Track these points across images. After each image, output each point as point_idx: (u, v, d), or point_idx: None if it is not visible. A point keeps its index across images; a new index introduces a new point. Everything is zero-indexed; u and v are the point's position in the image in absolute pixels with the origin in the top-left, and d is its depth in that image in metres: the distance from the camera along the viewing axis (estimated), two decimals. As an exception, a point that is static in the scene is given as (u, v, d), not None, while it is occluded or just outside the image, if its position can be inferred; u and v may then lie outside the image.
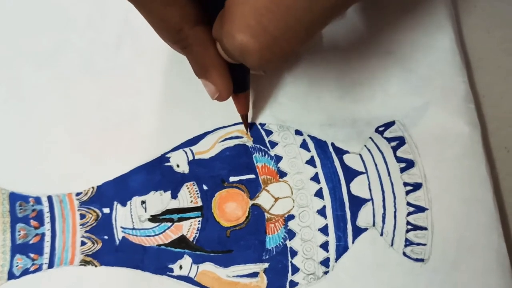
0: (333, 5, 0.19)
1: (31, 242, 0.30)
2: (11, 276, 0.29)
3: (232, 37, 0.20)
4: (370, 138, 0.30)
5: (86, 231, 0.30)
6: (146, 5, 0.22)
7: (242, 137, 0.31)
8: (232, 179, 0.30)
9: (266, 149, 0.30)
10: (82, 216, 0.30)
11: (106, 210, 0.30)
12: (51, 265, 0.29)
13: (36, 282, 0.29)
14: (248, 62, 0.21)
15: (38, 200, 0.30)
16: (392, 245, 0.28)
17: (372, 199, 0.29)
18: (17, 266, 0.29)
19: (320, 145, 0.30)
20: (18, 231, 0.30)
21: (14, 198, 0.30)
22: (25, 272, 0.29)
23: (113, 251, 0.29)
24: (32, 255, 0.30)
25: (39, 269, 0.29)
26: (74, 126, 0.32)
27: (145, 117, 0.32)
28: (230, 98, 0.29)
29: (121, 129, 0.31)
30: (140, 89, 0.32)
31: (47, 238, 0.30)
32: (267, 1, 0.19)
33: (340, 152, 0.30)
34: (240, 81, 0.27)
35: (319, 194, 0.29)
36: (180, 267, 0.29)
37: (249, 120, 0.31)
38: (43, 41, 0.33)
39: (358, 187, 0.29)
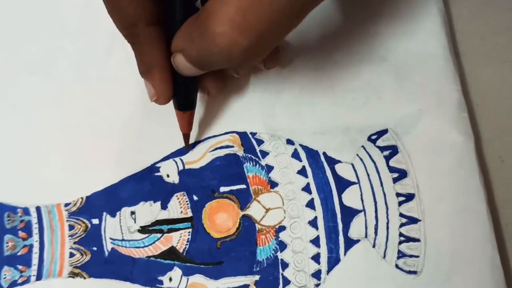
0: None
1: (19, 253, 0.29)
2: (-2, 288, 0.29)
3: (221, 36, 0.20)
4: (363, 146, 0.30)
5: (74, 243, 0.29)
6: None
7: (233, 146, 0.30)
8: (222, 189, 0.30)
9: (257, 159, 0.30)
10: (71, 227, 0.30)
11: (95, 221, 0.30)
12: (39, 277, 0.29)
13: (24, 294, 0.29)
14: (235, 59, 0.21)
15: (26, 211, 0.30)
16: (384, 257, 0.28)
17: (364, 210, 0.28)
18: (4, 278, 0.29)
19: (312, 154, 0.30)
20: (6, 243, 0.30)
21: (2, 208, 0.30)
22: (13, 284, 0.29)
23: (102, 263, 0.29)
24: (20, 267, 0.29)
25: (27, 281, 0.29)
26: (64, 134, 0.31)
27: (135, 125, 0.31)
28: (230, 107, 0.30)
29: (111, 138, 0.31)
30: (130, 97, 0.32)
31: (35, 249, 0.29)
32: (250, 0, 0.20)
33: (332, 162, 0.30)
34: (187, 99, 0.28)
35: (310, 204, 0.29)
36: (170, 279, 0.28)
37: (215, 131, 0.31)
38: (34, 47, 0.33)
39: (350, 197, 0.29)
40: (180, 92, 0.27)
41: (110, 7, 0.23)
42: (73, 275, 0.29)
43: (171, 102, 0.27)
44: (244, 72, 0.30)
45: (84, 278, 0.29)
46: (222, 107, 0.31)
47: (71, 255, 0.29)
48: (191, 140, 0.31)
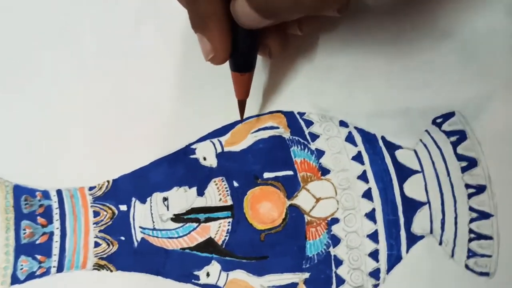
0: None
1: (37, 242, 0.26)
2: (14, 280, 0.26)
3: None
4: (426, 131, 0.26)
5: (100, 231, 0.26)
6: None
7: (278, 128, 0.27)
8: (266, 175, 0.26)
9: (306, 142, 0.27)
10: (96, 214, 0.27)
11: (123, 208, 0.27)
12: (60, 268, 0.26)
13: (43, 287, 0.26)
14: (307, 3, 0.18)
15: (46, 195, 0.27)
16: (452, 256, 0.24)
17: (429, 202, 0.25)
18: (21, 269, 0.26)
19: (369, 138, 0.26)
20: (23, 229, 0.26)
21: (19, 191, 0.27)
22: (31, 276, 0.26)
23: (130, 254, 0.26)
24: (38, 257, 0.26)
25: (46, 273, 0.26)
26: (87, 113, 0.28)
27: (167, 103, 0.28)
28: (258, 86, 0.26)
29: (140, 117, 0.28)
30: (161, 72, 0.28)
31: (56, 238, 0.26)
32: None
33: (392, 147, 0.26)
34: (246, 58, 0.24)
35: (367, 195, 0.26)
36: (208, 275, 0.25)
37: (258, 110, 0.27)
38: (54, 18, 0.29)
39: (413, 188, 0.25)
40: (239, 49, 0.23)
41: None
42: (98, 267, 0.26)
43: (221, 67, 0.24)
44: (309, 30, 0.26)
45: (111, 270, 0.26)
46: (266, 85, 0.28)
47: (96, 244, 0.26)
48: (231, 119, 0.27)
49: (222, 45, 0.22)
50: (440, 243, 0.25)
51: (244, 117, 0.27)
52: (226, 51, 0.22)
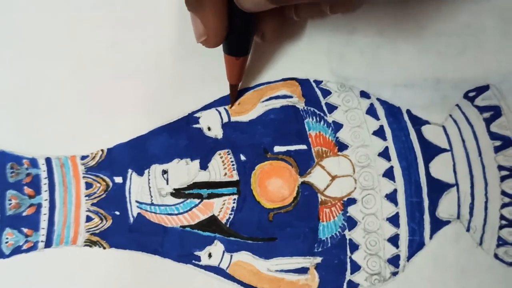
0: None
1: (24, 213, 0.24)
2: (-1, 254, 0.24)
3: None
4: (457, 105, 0.24)
5: (92, 204, 0.24)
6: None
7: (291, 97, 0.24)
8: (277, 149, 0.24)
9: (322, 114, 0.24)
10: (88, 186, 0.24)
11: (118, 180, 0.24)
12: (48, 243, 0.24)
13: (29, 263, 0.24)
14: None
15: (34, 163, 0.24)
16: (481, 244, 0.22)
17: (457, 184, 0.23)
18: (6, 242, 0.24)
19: (393, 112, 0.24)
20: (8, 200, 0.24)
21: (4, 158, 0.25)
22: (17, 250, 0.24)
23: (125, 231, 0.24)
24: (25, 230, 0.24)
25: (33, 247, 0.24)
26: (80, 73, 0.25)
27: (168, 64, 0.25)
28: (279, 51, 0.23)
29: (139, 79, 0.25)
30: (163, 29, 0.25)
31: (44, 210, 0.24)
32: None
33: (418, 122, 0.24)
34: (241, 42, 0.22)
35: (389, 174, 0.23)
36: (209, 255, 0.23)
37: (270, 76, 0.25)
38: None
39: (440, 168, 0.23)
40: (235, 32, 0.21)
41: None
42: (90, 243, 0.24)
43: None
44: (305, 15, 0.24)
45: (104, 247, 0.24)
46: (278, 50, 0.25)
47: (88, 219, 0.24)
48: (239, 86, 0.25)
49: (216, 27, 0.20)
50: (468, 230, 0.22)
51: (255, 83, 0.25)
52: (220, 35, 0.20)
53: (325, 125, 0.24)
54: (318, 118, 0.24)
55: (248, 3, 0.18)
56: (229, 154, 0.24)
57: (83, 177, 0.24)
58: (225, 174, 0.24)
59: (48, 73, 0.25)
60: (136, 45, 0.25)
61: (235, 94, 0.24)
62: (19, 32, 0.26)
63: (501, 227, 0.22)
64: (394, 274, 0.22)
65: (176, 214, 0.24)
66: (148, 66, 0.25)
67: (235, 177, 0.24)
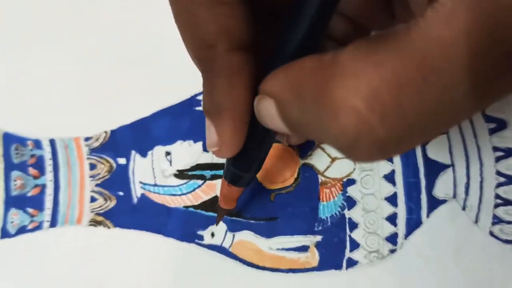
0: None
1: (29, 194, 0.24)
2: (4, 234, 0.24)
3: (348, 112, 0.13)
4: (454, 89, 0.24)
5: (97, 185, 0.24)
6: None
7: (292, 81, 0.25)
8: (278, 131, 0.24)
9: (322, 97, 0.25)
10: (92, 166, 0.25)
11: (122, 161, 0.25)
12: (53, 223, 0.24)
13: (35, 242, 0.24)
14: (356, 150, 0.14)
15: (38, 144, 0.25)
16: (476, 222, 0.23)
17: (453, 165, 0.23)
18: (12, 222, 0.24)
19: (391, 95, 0.24)
20: (13, 180, 0.24)
21: (9, 139, 0.25)
22: (22, 230, 0.24)
23: (129, 211, 0.24)
24: (30, 210, 0.24)
25: (38, 227, 0.24)
26: (83, 54, 0.25)
27: (172, 46, 0.25)
28: None
29: (142, 61, 0.25)
30: (166, 10, 0.26)
31: (49, 190, 0.24)
32: (413, 69, 0.12)
33: (416, 105, 0.24)
34: (251, 163, 0.20)
35: (387, 155, 0.24)
36: (212, 235, 0.24)
37: None
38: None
39: (437, 149, 0.24)
40: (248, 150, 0.18)
41: (181, 17, 0.16)
42: (94, 223, 0.24)
43: None
44: (297, 141, 0.22)
45: (108, 227, 0.24)
46: None
47: (93, 199, 0.24)
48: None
49: (232, 142, 0.17)
50: (464, 208, 0.23)
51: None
52: (235, 148, 0.18)
53: (325, 108, 0.25)
54: (318, 101, 0.25)
55: (268, 121, 0.16)
56: (231, 136, 0.25)
57: (87, 158, 0.25)
58: (228, 155, 0.24)
59: (52, 56, 0.25)
60: (140, 27, 0.26)
61: (222, 216, 0.23)
62: (21, 16, 0.26)
63: (496, 205, 0.23)
64: (392, 251, 0.23)
65: (179, 195, 0.24)
66: (151, 49, 0.25)
67: (237, 159, 0.24)
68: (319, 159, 0.24)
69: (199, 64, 0.17)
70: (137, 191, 0.24)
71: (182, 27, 0.16)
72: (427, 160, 0.24)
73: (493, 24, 0.11)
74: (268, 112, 0.16)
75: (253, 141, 0.18)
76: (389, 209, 0.23)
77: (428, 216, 0.23)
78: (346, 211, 0.23)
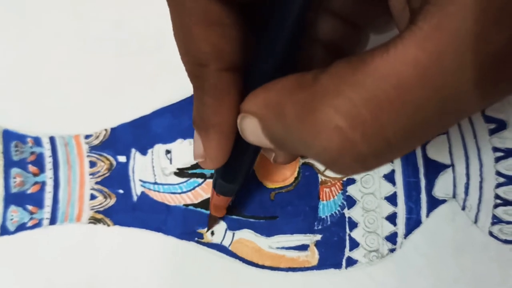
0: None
1: (28, 191, 0.24)
2: (4, 231, 0.24)
3: (332, 131, 0.13)
4: (454, 90, 0.24)
5: (96, 183, 0.24)
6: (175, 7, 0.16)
7: (293, 79, 0.25)
8: (279, 130, 0.24)
9: (322, 96, 0.25)
10: (92, 164, 0.25)
11: (122, 159, 0.25)
12: (53, 221, 0.24)
13: (34, 239, 0.24)
14: (339, 166, 0.14)
15: (37, 141, 0.25)
16: (476, 222, 0.23)
17: (453, 165, 0.23)
18: (11, 219, 0.24)
19: (392, 94, 0.24)
20: (13, 178, 0.24)
21: (9, 137, 0.25)
22: (22, 227, 0.24)
23: (129, 209, 0.24)
24: (30, 208, 0.24)
25: (38, 224, 0.24)
26: (83, 52, 0.25)
27: (173, 44, 0.25)
28: None
29: (142, 58, 0.25)
30: (167, 6, 0.26)
31: (49, 188, 0.24)
32: (390, 89, 0.13)
33: (416, 105, 0.24)
34: (235, 175, 0.20)
35: (387, 154, 0.24)
36: (212, 233, 0.24)
37: None
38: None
39: (436, 149, 0.24)
40: (233, 163, 0.19)
41: (178, 32, 0.17)
42: (94, 221, 0.24)
43: None
44: (286, 160, 0.21)
45: (108, 225, 0.24)
46: None
47: (92, 197, 0.24)
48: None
49: (216, 156, 0.18)
50: (463, 208, 0.23)
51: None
52: (219, 162, 0.18)
53: (326, 107, 0.25)
54: (319, 100, 0.25)
55: (251, 137, 0.17)
56: (231, 134, 0.25)
57: (87, 156, 0.25)
58: (228, 154, 0.24)
59: (52, 51, 0.25)
60: (140, 24, 0.26)
61: (214, 223, 0.24)
62: (22, 10, 0.26)
63: (495, 206, 0.23)
64: (392, 250, 0.23)
65: (179, 193, 0.24)
66: (151, 46, 0.25)
67: (238, 157, 0.24)
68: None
69: (191, 80, 0.18)
70: (137, 189, 0.24)
71: (179, 43, 0.17)
72: (427, 160, 0.24)
73: (465, 49, 0.12)
74: (250, 129, 0.16)
75: (238, 154, 0.18)
76: (389, 209, 0.23)
77: (427, 215, 0.23)
78: (346, 210, 0.23)
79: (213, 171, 0.24)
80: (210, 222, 0.24)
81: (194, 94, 0.18)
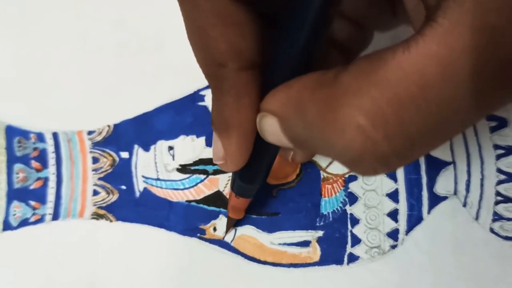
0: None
1: (31, 187, 0.24)
2: (7, 226, 0.24)
3: (354, 129, 0.13)
4: (455, 87, 0.24)
5: (99, 178, 0.24)
6: (189, 9, 0.16)
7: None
8: (281, 127, 0.25)
9: (325, 93, 0.25)
10: (95, 160, 0.25)
11: (125, 155, 0.25)
12: (55, 216, 0.24)
13: (37, 235, 0.24)
14: (360, 165, 0.14)
15: (41, 137, 0.25)
16: (477, 218, 0.23)
17: (454, 162, 0.24)
18: (14, 215, 0.24)
19: (393, 92, 0.25)
20: (16, 173, 0.24)
21: (12, 132, 0.25)
22: (24, 222, 0.24)
23: (132, 205, 0.24)
24: (32, 203, 0.24)
25: (41, 220, 0.24)
26: (86, 49, 0.26)
27: (174, 42, 0.25)
28: None
29: (144, 56, 0.25)
30: (168, 4, 0.26)
31: (52, 183, 0.24)
32: (413, 86, 0.12)
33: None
34: (256, 175, 0.20)
35: (389, 151, 0.24)
36: (214, 229, 0.24)
37: None
38: None
39: (438, 146, 0.24)
40: (253, 164, 0.19)
41: (194, 35, 0.16)
42: (97, 216, 0.24)
43: None
44: (304, 159, 0.22)
45: (111, 221, 0.24)
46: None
47: (95, 193, 0.24)
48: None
49: (237, 157, 0.18)
50: (464, 205, 0.23)
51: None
52: (240, 163, 0.18)
53: (328, 104, 0.25)
54: (321, 98, 0.25)
55: (270, 137, 0.16)
56: (234, 131, 0.25)
57: (90, 152, 0.25)
58: (230, 150, 0.24)
59: (55, 49, 0.25)
60: (143, 22, 0.26)
61: (231, 226, 0.24)
62: (24, 9, 0.26)
63: (496, 202, 0.23)
64: (393, 247, 0.23)
65: (182, 189, 0.24)
66: (154, 44, 0.25)
67: (240, 154, 0.24)
68: (321, 155, 0.24)
69: (210, 81, 0.17)
70: (139, 185, 0.24)
71: (195, 45, 0.17)
72: (428, 157, 0.24)
73: (487, 43, 0.12)
74: (270, 128, 0.16)
75: (258, 155, 0.18)
76: (390, 205, 0.23)
77: (429, 212, 0.23)
78: (347, 207, 0.24)
79: (218, 168, 0.24)
80: (228, 225, 0.23)
81: (213, 95, 0.17)
